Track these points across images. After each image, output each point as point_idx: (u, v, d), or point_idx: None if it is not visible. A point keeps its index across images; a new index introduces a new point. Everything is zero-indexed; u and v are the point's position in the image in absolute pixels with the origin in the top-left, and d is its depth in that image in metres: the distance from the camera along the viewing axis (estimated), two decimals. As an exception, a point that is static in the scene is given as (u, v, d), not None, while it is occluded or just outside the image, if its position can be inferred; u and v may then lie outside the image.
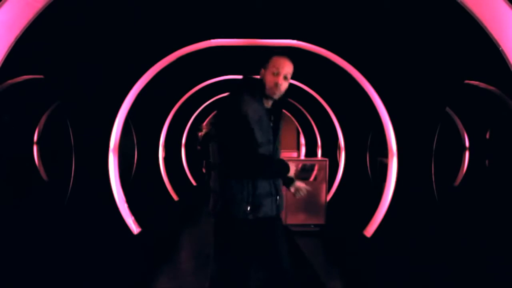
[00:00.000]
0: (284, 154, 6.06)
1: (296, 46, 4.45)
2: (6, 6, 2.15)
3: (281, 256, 2.04)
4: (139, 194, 6.16)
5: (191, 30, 4.30)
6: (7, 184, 6.61)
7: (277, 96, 2.08)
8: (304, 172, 5.45)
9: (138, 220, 4.74)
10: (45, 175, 7.86)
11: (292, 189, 2.23)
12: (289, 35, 4.34)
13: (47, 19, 2.50)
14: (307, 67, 5.79)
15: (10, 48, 2.29)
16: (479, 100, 6.63)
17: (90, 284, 3.43)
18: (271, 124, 2.11)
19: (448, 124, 7.61)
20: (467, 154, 7.81)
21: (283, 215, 4.03)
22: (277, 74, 2.04)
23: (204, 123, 11.69)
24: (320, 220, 5.47)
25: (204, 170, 9.41)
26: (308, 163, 5.65)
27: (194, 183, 9.77)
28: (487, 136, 7.76)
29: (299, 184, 2.24)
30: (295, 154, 11.01)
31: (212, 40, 4.36)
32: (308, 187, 2.25)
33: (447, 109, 7.27)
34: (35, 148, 7.73)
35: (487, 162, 7.71)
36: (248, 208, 1.96)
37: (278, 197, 2.08)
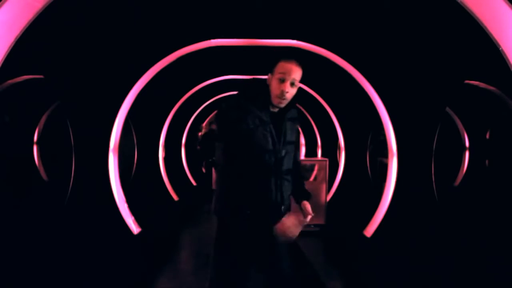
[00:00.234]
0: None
1: (296, 46, 4.45)
2: (6, 6, 2.15)
3: (281, 257, 2.00)
4: (139, 194, 6.16)
5: (191, 30, 4.30)
6: (7, 184, 6.61)
7: (283, 104, 1.93)
8: (304, 172, 5.46)
9: (138, 220, 4.74)
10: (45, 175, 7.86)
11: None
12: (289, 35, 4.34)
13: (47, 19, 2.50)
14: (307, 67, 5.77)
15: (10, 48, 2.29)
16: (479, 100, 6.63)
17: (90, 284, 3.43)
18: (272, 131, 1.93)
19: (448, 124, 7.61)
20: (467, 154, 7.81)
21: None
22: (283, 81, 1.89)
23: (204, 123, 11.70)
24: (320, 220, 5.47)
25: (204, 170, 9.42)
26: (308, 163, 5.65)
27: (194, 183, 9.77)
28: (487, 136, 7.76)
29: (286, 222, 1.89)
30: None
31: (212, 40, 4.36)
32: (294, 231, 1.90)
33: (447, 109, 7.27)
34: (35, 148, 7.73)
35: (487, 162, 7.71)
36: (248, 212, 1.90)
37: (283, 207, 1.96)
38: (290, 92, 1.92)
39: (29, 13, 2.34)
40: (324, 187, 5.54)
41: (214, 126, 8.65)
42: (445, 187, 6.35)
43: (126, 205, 4.59)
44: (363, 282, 3.66)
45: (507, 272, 3.54)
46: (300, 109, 1.99)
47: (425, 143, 4.30)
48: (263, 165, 1.92)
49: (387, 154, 4.65)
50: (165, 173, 7.52)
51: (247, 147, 1.90)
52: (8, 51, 2.28)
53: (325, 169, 5.57)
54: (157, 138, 7.19)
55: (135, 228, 4.61)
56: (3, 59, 2.26)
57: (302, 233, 2.00)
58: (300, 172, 2.18)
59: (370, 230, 4.73)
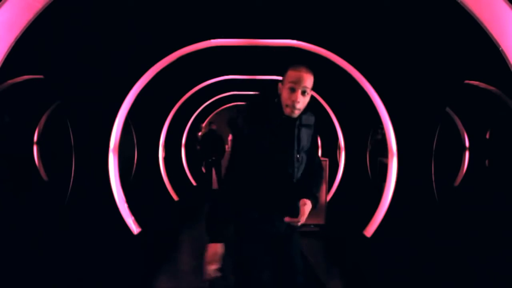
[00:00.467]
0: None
1: (296, 46, 4.45)
2: (6, 6, 2.15)
3: (297, 270, 1.93)
4: (139, 194, 6.16)
5: (191, 30, 4.30)
6: (7, 184, 6.61)
7: (296, 115, 1.84)
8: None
9: (138, 220, 4.74)
10: (45, 175, 7.86)
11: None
12: (289, 35, 4.34)
13: (47, 19, 2.50)
14: (307, 67, 5.77)
15: (10, 48, 2.29)
16: (479, 100, 6.64)
17: (90, 284, 3.43)
18: (283, 141, 1.87)
19: (448, 124, 7.61)
20: (467, 154, 7.81)
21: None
22: (294, 90, 1.81)
23: (204, 123, 11.70)
24: (320, 220, 5.47)
25: (204, 170, 9.42)
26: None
27: (194, 183, 9.77)
28: (487, 136, 7.76)
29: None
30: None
31: (212, 40, 4.36)
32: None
33: (447, 109, 7.27)
34: (35, 148, 7.73)
35: (487, 162, 7.71)
36: (252, 219, 1.87)
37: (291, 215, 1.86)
38: (302, 101, 1.83)
39: (29, 13, 2.34)
40: (324, 187, 5.54)
41: (214, 126, 8.65)
42: (445, 187, 6.35)
43: (126, 205, 4.59)
44: (363, 282, 3.66)
45: (507, 272, 3.54)
46: (317, 115, 1.97)
47: (425, 143, 4.30)
48: (275, 175, 1.86)
49: (387, 154, 4.65)
50: (165, 173, 7.51)
51: (259, 158, 1.85)
52: (8, 51, 2.28)
53: (325, 169, 5.57)
54: (157, 138, 7.19)
55: (135, 228, 4.61)
56: (3, 59, 2.26)
57: (302, 233, 1.99)
58: (318, 173, 2.06)
59: (370, 230, 4.73)
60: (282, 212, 1.87)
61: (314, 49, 4.47)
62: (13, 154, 7.18)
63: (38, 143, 7.77)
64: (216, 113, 12.17)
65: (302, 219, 1.84)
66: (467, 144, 7.81)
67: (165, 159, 7.54)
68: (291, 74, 1.84)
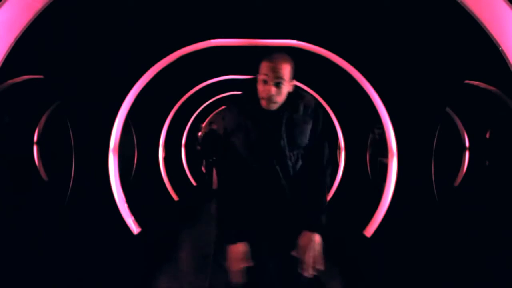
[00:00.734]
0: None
1: (296, 46, 4.45)
2: (6, 6, 2.15)
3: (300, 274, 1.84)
4: (139, 194, 6.16)
5: (191, 30, 4.29)
6: (7, 184, 6.61)
7: (274, 107, 1.72)
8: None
9: (138, 220, 4.74)
10: (45, 175, 7.86)
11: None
12: (289, 35, 4.34)
13: (47, 19, 2.50)
14: (307, 67, 5.78)
15: (10, 48, 2.29)
16: (479, 100, 6.63)
17: (90, 284, 3.43)
18: (263, 134, 1.73)
19: (448, 124, 7.61)
20: (467, 154, 7.81)
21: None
22: (266, 82, 1.69)
23: (204, 123, 11.70)
24: (320, 220, 5.45)
25: (204, 170, 9.42)
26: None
27: (194, 183, 9.77)
28: (487, 136, 7.76)
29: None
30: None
31: (212, 40, 4.36)
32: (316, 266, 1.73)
33: (447, 109, 7.27)
34: (35, 148, 7.73)
35: (487, 162, 7.71)
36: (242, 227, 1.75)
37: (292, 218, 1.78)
38: (277, 93, 1.69)
39: (29, 13, 2.34)
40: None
41: (214, 126, 8.65)
42: (445, 187, 6.34)
43: (126, 205, 4.59)
44: (363, 282, 3.66)
45: (507, 272, 3.54)
46: (319, 104, 1.82)
47: (425, 143, 4.30)
48: (261, 173, 1.75)
49: (387, 154, 4.65)
50: (165, 173, 7.51)
51: (244, 155, 1.76)
52: (8, 51, 2.28)
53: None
54: (157, 138, 7.19)
55: (135, 228, 4.61)
56: (3, 59, 2.26)
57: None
58: (321, 182, 1.83)
59: (370, 230, 4.73)
60: (277, 224, 1.76)
61: (314, 49, 4.47)
62: (13, 154, 7.18)
63: (38, 143, 7.77)
64: (216, 113, 12.18)
65: (308, 261, 1.69)
66: (467, 144, 7.81)
67: (165, 159, 7.54)
68: (264, 65, 1.70)
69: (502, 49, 2.23)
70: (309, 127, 1.82)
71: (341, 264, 4.15)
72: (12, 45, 2.30)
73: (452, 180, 7.87)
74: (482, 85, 5.82)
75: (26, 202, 6.22)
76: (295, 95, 1.80)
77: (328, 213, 1.75)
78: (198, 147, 9.68)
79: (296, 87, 1.82)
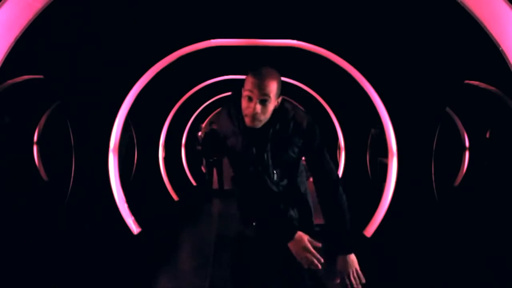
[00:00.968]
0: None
1: (296, 46, 4.45)
2: (6, 6, 2.15)
3: (303, 275, 1.82)
4: (139, 194, 6.16)
5: (191, 30, 4.29)
6: (7, 184, 6.61)
7: (258, 125, 1.61)
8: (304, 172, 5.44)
9: (138, 220, 4.74)
10: (45, 175, 7.85)
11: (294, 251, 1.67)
12: (289, 35, 4.34)
13: (47, 19, 2.50)
14: (307, 67, 5.78)
15: (10, 48, 2.29)
16: (479, 100, 6.63)
17: (90, 284, 3.43)
18: (254, 151, 1.68)
19: (448, 124, 7.60)
20: (467, 154, 7.81)
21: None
22: (251, 100, 1.57)
23: (204, 123, 11.70)
24: (320, 220, 5.45)
25: (204, 170, 9.41)
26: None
27: (194, 183, 9.77)
28: (487, 136, 7.75)
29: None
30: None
31: (212, 40, 4.36)
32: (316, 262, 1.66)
33: (447, 109, 7.26)
34: (35, 148, 7.73)
35: (487, 162, 7.71)
36: (252, 228, 1.76)
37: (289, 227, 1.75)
38: (262, 111, 1.58)
39: (29, 13, 2.34)
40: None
41: (215, 126, 8.65)
42: (445, 187, 6.34)
43: (126, 205, 4.59)
44: (363, 282, 3.65)
45: (507, 272, 3.54)
46: (313, 120, 1.77)
47: (425, 143, 4.30)
48: (257, 188, 1.72)
49: (387, 154, 4.65)
50: (165, 173, 7.51)
51: (235, 169, 1.76)
52: (8, 51, 2.28)
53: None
54: (157, 138, 7.19)
55: (135, 228, 4.61)
56: (3, 59, 2.26)
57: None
58: (337, 200, 1.78)
59: (370, 230, 4.73)
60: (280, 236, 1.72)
61: (314, 49, 4.47)
62: (13, 154, 7.18)
63: (38, 143, 7.77)
64: (217, 113, 12.18)
65: (353, 282, 1.65)
66: (467, 144, 7.81)
67: (165, 159, 7.54)
68: (249, 80, 1.59)
69: (502, 49, 2.23)
70: (297, 145, 1.72)
71: (341, 264, 4.14)
72: (12, 45, 2.30)
73: (452, 180, 7.87)
74: (482, 85, 5.82)
75: (26, 202, 6.22)
76: (283, 111, 1.69)
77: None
78: (199, 147, 9.68)
79: (286, 102, 1.74)
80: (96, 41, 4.13)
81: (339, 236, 1.75)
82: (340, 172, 7.27)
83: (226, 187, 8.52)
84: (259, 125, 1.62)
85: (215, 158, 8.59)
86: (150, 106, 6.55)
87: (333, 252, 1.71)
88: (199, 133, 10.54)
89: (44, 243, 4.23)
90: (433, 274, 3.70)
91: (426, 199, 4.37)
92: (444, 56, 4.07)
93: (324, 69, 5.15)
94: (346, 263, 1.70)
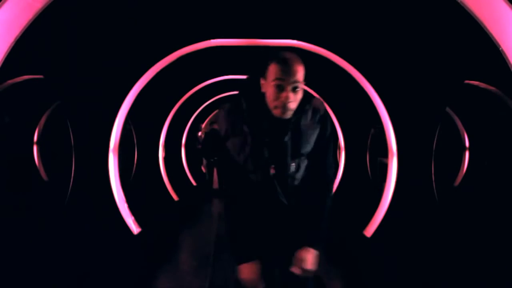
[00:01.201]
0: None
1: (296, 46, 4.45)
2: (6, 6, 2.15)
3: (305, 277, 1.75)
4: (139, 194, 6.16)
5: (191, 30, 4.29)
6: (7, 184, 6.61)
7: (289, 115, 1.54)
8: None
9: (138, 220, 4.74)
10: (45, 175, 7.85)
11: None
12: (289, 35, 4.34)
13: (47, 19, 2.50)
14: (307, 67, 5.77)
15: (10, 48, 2.29)
16: (479, 100, 6.63)
17: (90, 284, 3.43)
18: (263, 141, 1.59)
19: (448, 124, 7.60)
20: (467, 154, 7.81)
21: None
22: (282, 89, 1.49)
23: (204, 123, 11.70)
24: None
25: (204, 170, 9.41)
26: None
27: (194, 183, 9.77)
28: (487, 136, 7.75)
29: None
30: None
31: (212, 40, 4.36)
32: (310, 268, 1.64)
33: (447, 109, 7.26)
34: (35, 148, 7.73)
35: (487, 162, 7.70)
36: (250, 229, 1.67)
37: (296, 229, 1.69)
38: (295, 99, 1.52)
39: (29, 13, 2.34)
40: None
41: (215, 126, 8.65)
42: (445, 187, 6.34)
43: (126, 205, 4.59)
44: (363, 282, 3.66)
45: (507, 272, 3.54)
46: (324, 106, 1.73)
47: (425, 143, 4.30)
48: (258, 184, 1.64)
49: (387, 154, 4.65)
50: (165, 173, 7.51)
51: (239, 162, 1.66)
52: (8, 51, 2.28)
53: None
54: (157, 138, 7.19)
55: (135, 228, 4.61)
56: (3, 59, 2.26)
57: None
58: (324, 197, 1.69)
59: (370, 230, 4.73)
60: (279, 239, 1.69)
61: (314, 49, 4.47)
62: (13, 154, 7.18)
63: (38, 143, 7.76)
64: (216, 113, 12.18)
65: (307, 266, 1.62)
66: (467, 144, 7.80)
67: (165, 159, 7.54)
68: (276, 68, 1.50)
69: (502, 49, 2.23)
70: (315, 134, 1.65)
71: (341, 264, 4.15)
72: (12, 45, 2.30)
73: (452, 180, 7.87)
74: (482, 85, 5.81)
75: (26, 202, 6.22)
76: (303, 98, 1.61)
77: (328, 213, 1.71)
78: (199, 146, 9.68)
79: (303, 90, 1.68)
80: (96, 41, 4.13)
81: (314, 230, 1.69)
82: (340, 172, 7.27)
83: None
84: (289, 115, 1.55)
85: (215, 158, 8.60)
86: (150, 106, 6.55)
87: (302, 241, 1.67)
88: (199, 133, 10.54)
89: (44, 243, 4.23)
90: (433, 274, 3.70)
91: (426, 199, 4.37)
92: (444, 56, 4.07)
93: (324, 69, 5.15)
94: (306, 255, 1.66)
